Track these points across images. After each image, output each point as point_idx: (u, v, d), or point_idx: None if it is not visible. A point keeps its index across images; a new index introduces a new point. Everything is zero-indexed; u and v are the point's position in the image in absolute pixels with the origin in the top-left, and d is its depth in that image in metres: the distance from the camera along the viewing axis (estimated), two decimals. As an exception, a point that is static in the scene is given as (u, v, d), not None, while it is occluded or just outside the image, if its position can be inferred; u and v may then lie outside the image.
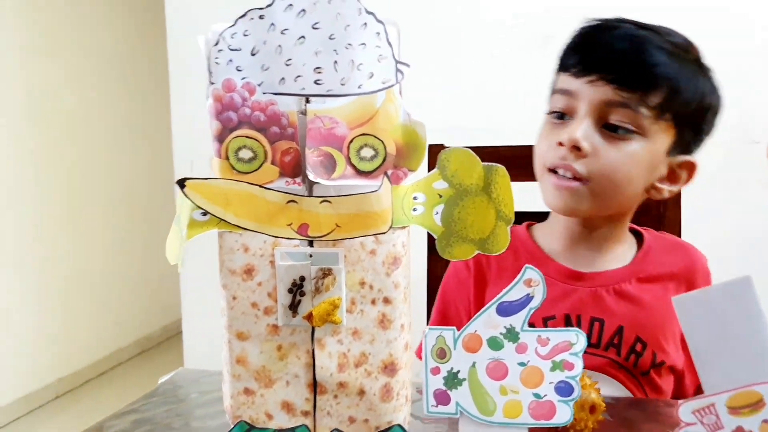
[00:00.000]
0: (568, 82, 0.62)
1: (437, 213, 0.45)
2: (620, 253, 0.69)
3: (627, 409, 0.53)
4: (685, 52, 0.62)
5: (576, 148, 0.60)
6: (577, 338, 0.38)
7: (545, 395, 0.37)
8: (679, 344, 0.67)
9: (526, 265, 0.38)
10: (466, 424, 0.38)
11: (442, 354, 0.38)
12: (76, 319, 2.40)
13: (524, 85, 1.08)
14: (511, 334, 0.38)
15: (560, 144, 0.61)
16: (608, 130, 0.61)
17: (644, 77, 0.60)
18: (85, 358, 2.43)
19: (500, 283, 0.67)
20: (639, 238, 0.71)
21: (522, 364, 0.38)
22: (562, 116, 0.63)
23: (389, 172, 0.43)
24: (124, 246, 2.63)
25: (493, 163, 0.44)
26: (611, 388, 0.63)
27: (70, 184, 2.38)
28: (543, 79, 1.03)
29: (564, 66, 0.64)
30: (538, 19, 1.14)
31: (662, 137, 0.62)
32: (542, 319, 0.65)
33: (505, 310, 0.38)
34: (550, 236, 0.70)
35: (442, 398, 0.38)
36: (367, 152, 0.43)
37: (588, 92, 0.60)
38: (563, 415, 0.37)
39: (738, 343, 0.35)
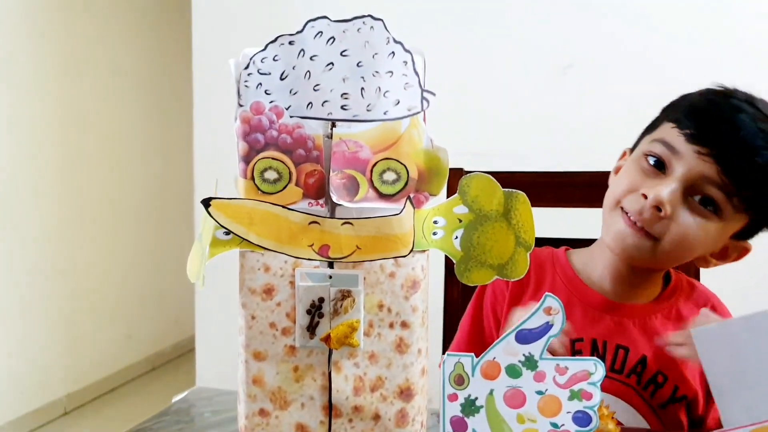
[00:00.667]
0: (676, 139, 0.62)
1: (457, 237, 0.45)
2: (646, 289, 0.71)
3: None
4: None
5: (657, 208, 0.61)
6: (596, 368, 0.37)
7: (563, 425, 0.37)
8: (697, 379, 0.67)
9: (547, 293, 0.38)
10: (483, 452, 0.38)
11: (460, 380, 0.38)
12: (86, 332, 2.42)
13: (543, 113, 1.09)
14: (530, 362, 0.38)
15: (644, 196, 0.62)
16: (693, 199, 0.62)
17: (751, 175, 0.61)
18: (95, 374, 2.44)
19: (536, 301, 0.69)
20: (666, 275, 0.73)
21: (540, 392, 0.37)
22: (656, 163, 0.64)
23: (411, 195, 0.44)
24: (137, 260, 2.65)
25: (514, 190, 0.45)
26: (628, 416, 0.64)
27: (86, 198, 2.42)
28: (562, 108, 1.04)
29: (678, 121, 0.63)
30: (558, 48, 1.16)
31: (736, 223, 0.64)
32: (570, 341, 0.66)
33: (524, 337, 0.38)
34: (589, 264, 0.72)
35: (458, 425, 0.38)
36: (389, 176, 0.44)
37: (692, 159, 0.61)
38: (581, 445, 0.37)
39: (758, 377, 0.35)
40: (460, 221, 0.45)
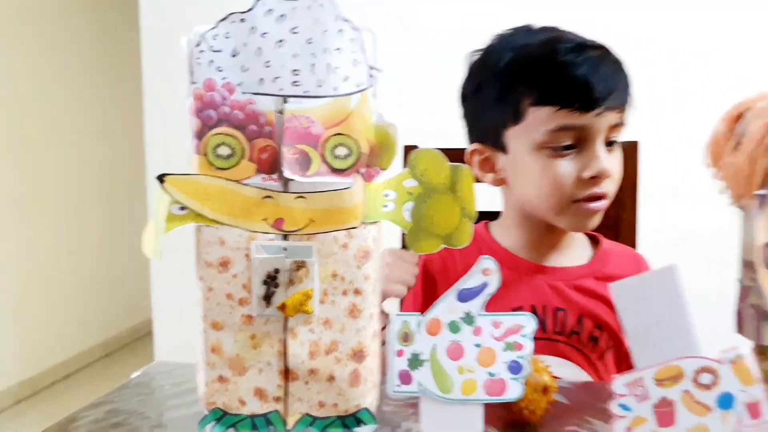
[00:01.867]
0: (573, 118, 0.65)
1: (407, 210, 0.48)
2: (577, 254, 0.76)
3: (581, 391, 0.58)
4: (618, 60, 0.70)
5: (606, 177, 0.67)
6: (527, 321, 0.41)
7: (498, 373, 0.41)
8: None
9: (482, 255, 0.42)
10: (427, 402, 0.41)
11: (406, 338, 0.41)
12: (37, 319, 2.35)
13: None
14: (469, 319, 0.41)
15: (591, 179, 0.66)
16: (608, 145, 0.68)
17: (629, 97, 0.67)
18: (48, 361, 2.38)
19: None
20: (595, 242, 0.78)
21: (478, 345, 0.41)
22: (569, 146, 0.67)
23: (362, 170, 0.46)
24: (87, 245, 2.59)
25: (459, 164, 0.48)
26: (573, 373, 0.69)
27: (34, 182, 2.34)
28: None
29: (555, 102, 0.65)
30: (508, 25, 1.19)
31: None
32: (511, 309, 0.70)
33: (464, 296, 0.41)
34: (508, 234, 0.76)
35: (405, 379, 0.41)
36: (341, 151, 0.46)
37: (597, 123, 0.65)
38: (514, 391, 0.41)
39: (664, 323, 0.39)
40: (410, 194, 0.48)
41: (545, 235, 0.73)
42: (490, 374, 0.41)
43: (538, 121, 0.66)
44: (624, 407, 0.40)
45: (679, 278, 0.39)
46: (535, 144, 0.67)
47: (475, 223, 0.47)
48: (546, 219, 0.70)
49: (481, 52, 0.72)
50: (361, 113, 0.46)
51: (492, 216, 0.80)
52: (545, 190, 0.67)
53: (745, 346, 0.39)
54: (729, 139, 0.47)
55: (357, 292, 0.47)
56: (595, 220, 0.69)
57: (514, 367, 0.41)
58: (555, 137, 0.66)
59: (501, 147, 0.70)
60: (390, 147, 0.47)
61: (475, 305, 0.41)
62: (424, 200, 0.48)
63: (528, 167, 0.68)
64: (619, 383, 0.40)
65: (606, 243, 0.78)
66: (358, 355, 0.46)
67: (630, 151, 0.82)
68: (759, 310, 0.47)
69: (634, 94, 0.69)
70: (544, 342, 0.69)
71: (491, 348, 0.41)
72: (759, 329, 0.48)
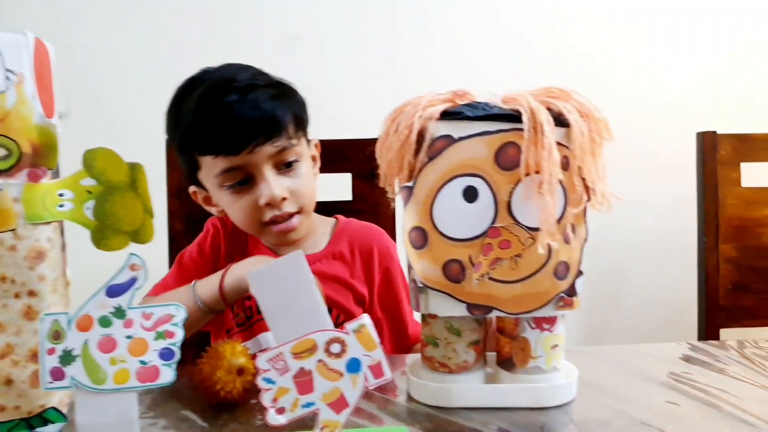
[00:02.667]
0: (228, 162, 0.70)
1: (88, 208, 0.48)
2: (318, 241, 0.82)
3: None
4: (277, 84, 0.75)
5: (282, 199, 0.72)
6: (177, 311, 0.44)
7: (150, 361, 0.43)
8: (377, 306, 0.81)
9: (131, 253, 0.44)
10: (81, 394, 0.43)
11: (57, 336, 0.42)
12: None
13: None
14: (119, 312, 0.43)
15: (268, 205, 0.72)
16: (285, 168, 0.73)
17: (281, 124, 0.71)
18: None
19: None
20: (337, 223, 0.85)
21: (129, 336, 0.43)
22: (240, 184, 0.72)
23: (26, 170, 0.46)
24: None
25: (135, 162, 0.49)
26: None
27: None
28: (291, 78, 1.11)
29: (211, 152, 0.70)
30: (286, 19, 1.22)
31: (304, 144, 0.77)
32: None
33: (114, 291, 0.43)
34: None
35: (57, 375, 0.42)
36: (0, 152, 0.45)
37: (253, 159, 0.70)
38: (167, 376, 0.44)
39: (297, 303, 0.44)
40: (90, 193, 0.48)
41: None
42: (143, 362, 0.43)
43: (208, 167, 0.73)
44: (268, 381, 0.44)
45: (304, 263, 0.43)
46: (216, 185, 0.73)
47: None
48: None
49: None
50: (19, 113, 0.45)
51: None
52: (238, 220, 0.75)
53: (366, 317, 0.45)
54: (388, 137, 0.52)
55: (31, 293, 0.47)
56: (294, 234, 0.76)
57: (166, 354, 0.44)
58: (225, 179, 0.72)
59: (202, 186, 0.77)
60: (53, 147, 0.47)
61: (125, 299, 0.43)
62: (106, 198, 0.48)
63: (222, 203, 0.76)
64: (261, 360, 0.43)
65: (342, 222, 0.85)
66: (37, 356, 0.46)
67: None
68: (415, 284, 0.54)
69: (300, 113, 0.75)
70: None
71: (142, 338, 0.43)
72: (417, 299, 0.55)
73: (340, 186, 0.98)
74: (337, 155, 0.96)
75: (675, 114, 1.27)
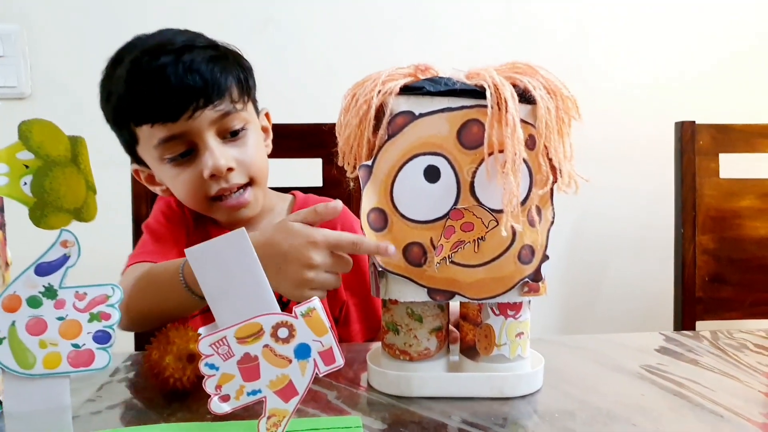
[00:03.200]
0: (167, 129, 0.65)
1: (26, 183, 0.45)
2: (271, 220, 0.76)
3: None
4: (216, 46, 0.70)
5: (228, 170, 0.67)
6: (113, 291, 0.41)
7: (84, 344, 0.40)
8: (342, 288, 0.76)
9: (63, 228, 0.41)
10: (9, 379, 0.40)
11: (-19, 317, 0.39)
12: None
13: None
14: (50, 292, 0.40)
15: (213, 177, 0.66)
16: (231, 137, 0.68)
17: (222, 87, 0.66)
18: None
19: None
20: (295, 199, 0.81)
21: (60, 318, 0.40)
22: (182, 155, 0.67)
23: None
24: None
25: (76, 135, 0.46)
26: None
27: None
28: (264, 62, 1.08)
29: (147, 121, 0.65)
30: (257, 2, 1.19)
31: (252, 113, 0.72)
32: None
33: (43, 270, 0.40)
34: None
35: (-19, 358, 0.39)
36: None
37: (194, 125, 0.65)
38: (102, 360, 0.41)
39: (240, 284, 0.41)
40: (27, 167, 0.45)
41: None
42: (75, 346, 0.40)
43: (146, 139, 0.67)
44: (211, 366, 0.41)
45: (247, 241, 0.41)
46: (156, 158, 0.68)
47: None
48: None
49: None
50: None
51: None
52: (182, 196, 0.70)
53: (317, 300, 0.42)
54: (346, 113, 0.50)
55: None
56: (247, 210, 0.70)
57: (101, 337, 0.41)
58: (165, 150, 0.67)
59: (143, 163, 0.72)
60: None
61: (56, 278, 0.40)
62: (45, 173, 0.45)
63: (165, 178, 0.70)
64: (204, 344, 0.41)
65: (300, 198, 0.81)
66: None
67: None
68: (375, 268, 0.51)
69: (242, 76, 0.69)
70: None
71: (75, 320, 0.40)
72: (377, 284, 0.52)
73: (310, 172, 0.95)
74: (311, 139, 0.94)
75: (653, 103, 1.26)
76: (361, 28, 1.21)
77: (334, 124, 0.54)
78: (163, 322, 0.56)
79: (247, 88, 0.70)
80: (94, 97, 1.04)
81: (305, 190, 0.90)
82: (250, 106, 0.71)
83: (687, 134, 1.02)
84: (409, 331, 0.53)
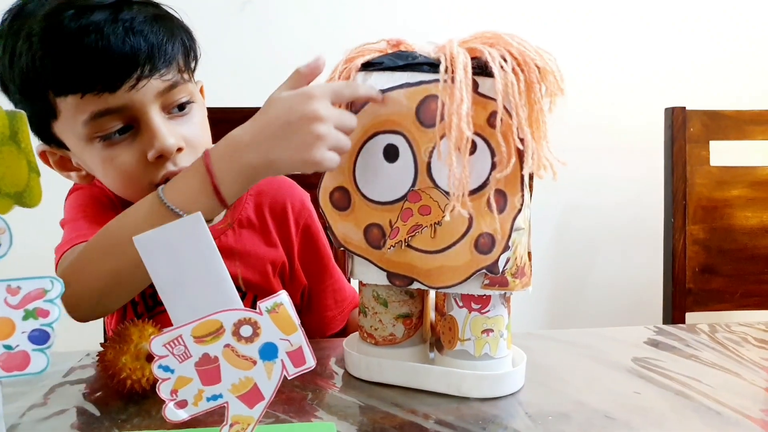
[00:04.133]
0: (102, 101, 0.54)
1: (-42, 164, 0.40)
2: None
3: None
4: (158, 6, 0.60)
5: (178, 150, 0.57)
6: (53, 285, 0.36)
7: (17, 345, 0.35)
8: (299, 272, 0.68)
9: (-8, 211, 0.35)
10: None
11: None
12: None
13: (224, 50, 1.08)
14: (-23, 286, 0.35)
15: (159, 158, 0.56)
16: (178, 111, 0.58)
17: (168, 53, 0.56)
18: None
19: None
20: None
21: (-10, 316, 0.35)
22: (121, 130, 0.56)
23: None
24: None
25: (15, 110, 0.41)
26: None
27: None
28: (242, 44, 1.01)
29: (76, 89, 0.54)
30: None
31: (194, 85, 0.62)
32: None
33: (-30, 260, 0.35)
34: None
35: None
36: None
37: (136, 97, 0.55)
38: (39, 363, 0.36)
39: (197, 276, 0.36)
40: (-41, 144, 0.40)
41: None
42: (8, 347, 0.35)
43: (70, 113, 0.55)
44: (165, 368, 0.36)
45: (204, 227, 0.36)
46: (83, 137, 0.56)
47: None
48: None
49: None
50: None
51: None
52: (116, 183, 0.59)
53: (284, 294, 0.37)
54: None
55: None
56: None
57: (38, 337, 0.36)
58: (97, 126, 0.55)
59: (60, 144, 0.60)
60: None
61: (-17, 269, 0.35)
62: (-20, 153, 0.40)
63: (91, 162, 0.58)
64: (156, 343, 0.36)
65: None
66: None
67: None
68: (347, 248, 0.48)
69: (188, 42, 0.60)
70: None
71: (7, 317, 0.35)
72: (346, 264, 0.49)
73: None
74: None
75: (642, 89, 1.23)
76: (342, 8, 1.16)
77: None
78: (135, 291, 0.50)
79: (194, 56, 0.60)
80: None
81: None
82: (192, 77, 0.61)
83: (678, 121, 0.99)
84: (374, 314, 0.51)
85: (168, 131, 0.56)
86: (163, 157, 0.56)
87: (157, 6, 0.59)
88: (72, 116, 0.55)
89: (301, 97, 0.46)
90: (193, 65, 0.62)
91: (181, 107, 0.59)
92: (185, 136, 0.58)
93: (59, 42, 0.53)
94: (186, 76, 0.59)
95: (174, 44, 0.57)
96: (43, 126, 0.58)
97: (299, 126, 0.46)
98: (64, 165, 0.62)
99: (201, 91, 0.65)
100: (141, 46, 0.54)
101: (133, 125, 0.57)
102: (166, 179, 0.56)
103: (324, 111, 0.45)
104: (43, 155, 0.62)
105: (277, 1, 1.14)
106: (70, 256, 0.56)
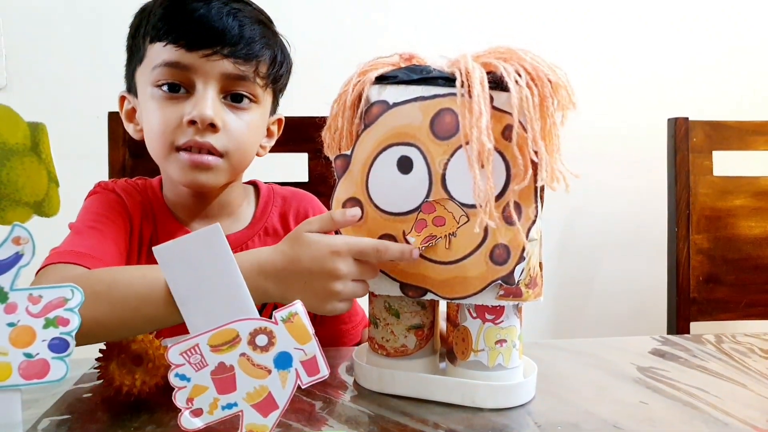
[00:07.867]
0: (178, 55, 0.60)
1: (-22, 174, 0.41)
2: (241, 213, 0.70)
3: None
4: (269, 20, 0.66)
5: (211, 125, 0.60)
6: (73, 294, 0.37)
7: (38, 353, 0.36)
8: None
9: (15, 222, 0.36)
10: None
11: None
12: None
13: None
14: (0, 295, 0.36)
15: (191, 123, 0.59)
16: (231, 101, 0.62)
17: (253, 50, 0.61)
18: None
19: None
20: (258, 191, 0.74)
21: (11, 324, 0.36)
22: (171, 88, 0.61)
23: None
24: None
25: (36, 122, 0.41)
26: None
27: None
28: None
29: (165, 37, 0.60)
30: None
31: (267, 101, 0.66)
32: None
33: (-8, 269, 0.35)
34: (179, 205, 0.68)
35: None
36: None
37: (205, 66, 0.60)
38: (58, 371, 0.36)
39: (214, 286, 0.37)
40: (-21, 156, 0.41)
41: (194, 195, 0.66)
42: (28, 356, 0.36)
43: (152, 57, 0.61)
44: (182, 377, 0.37)
45: (222, 239, 0.37)
46: (150, 82, 0.62)
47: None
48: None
49: None
50: None
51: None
52: (153, 134, 0.62)
53: (299, 303, 0.38)
54: (335, 103, 0.47)
55: None
56: (206, 176, 0.61)
57: (58, 345, 0.36)
58: (162, 74, 0.61)
59: (135, 91, 0.65)
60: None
61: (7, 279, 0.35)
62: (2, 163, 0.41)
63: (146, 110, 0.63)
64: (173, 352, 0.37)
65: (265, 188, 0.74)
66: None
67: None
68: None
69: (279, 59, 0.65)
70: None
71: (28, 326, 0.36)
72: None
73: (296, 167, 0.91)
74: (294, 134, 0.89)
75: (646, 99, 1.24)
76: (348, 19, 1.17)
77: (322, 117, 0.51)
78: (123, 337, 0.48)
79: (276, 74, 0.65)
80: (70, 91, 0.98)
81: (291, 185, 0.86)
82: (269, 96, 0.65)
83: (681, 131, 0.99)
84: (386, 325, 0.51)
85: (209, 104, 0.60)
86: (194, 123, 0.60)
87: (269, 19, 0.66)
88: (150, 61, 0.61)
89: (327, 251, 0.47)
90: (271, 83, 0.65)
91: (238, 98, 0.62)
92: (228, 123, 0.61)
93: (179, 3, 0.60)
94: (259, 81, 0.63)
95: (262, 48, 0.62)
96: (131, 71, 0.65)
97: (319, 278, 0.47)
98: (131, 116, 0.67)
99: (279, 122, 0.71)
100: (233, 30, 0.60)
101: (188, 90, 0.61)
102: (186, 146, 0.60)
103: (344, 269, 0.47)
104: (121, 99, 0.68)
105: (283, 13, 1.15)
106: (53, 275, 0.53)
